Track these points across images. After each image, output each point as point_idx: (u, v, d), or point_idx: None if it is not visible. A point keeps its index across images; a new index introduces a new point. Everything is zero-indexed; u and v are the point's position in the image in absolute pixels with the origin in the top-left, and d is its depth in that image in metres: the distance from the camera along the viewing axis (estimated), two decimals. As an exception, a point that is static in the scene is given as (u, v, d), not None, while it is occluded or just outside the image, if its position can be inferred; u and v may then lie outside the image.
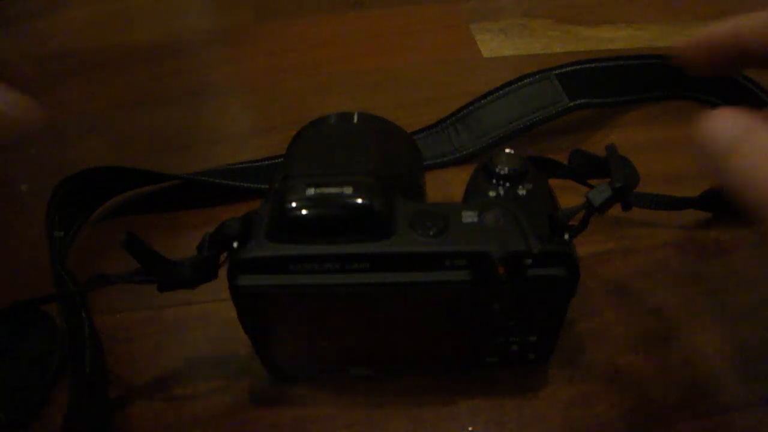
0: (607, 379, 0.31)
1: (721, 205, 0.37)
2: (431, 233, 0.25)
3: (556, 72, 0.44)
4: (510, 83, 0.44)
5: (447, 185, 0.41)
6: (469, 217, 0.25)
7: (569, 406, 0.30)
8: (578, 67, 0.45)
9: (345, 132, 0.30)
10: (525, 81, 0.44)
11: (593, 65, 0.45)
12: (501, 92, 0.44)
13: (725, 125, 0.19)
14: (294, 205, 0.24)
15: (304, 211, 0.24)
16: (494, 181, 0.28)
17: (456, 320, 0.27)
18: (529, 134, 0.43)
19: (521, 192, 0.27)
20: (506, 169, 0.28)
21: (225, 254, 0.25)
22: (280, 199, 0.25)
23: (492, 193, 0.27)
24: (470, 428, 0.29)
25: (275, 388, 0.31)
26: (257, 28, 0.59)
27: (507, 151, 0.28)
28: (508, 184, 0.27)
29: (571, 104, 0.43)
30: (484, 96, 0.44)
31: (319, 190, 0.24)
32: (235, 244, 0.25)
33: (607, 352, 0.32)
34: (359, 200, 0.24)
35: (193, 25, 0.61)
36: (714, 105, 0.46)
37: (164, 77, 0.53)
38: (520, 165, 0.28)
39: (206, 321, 0.34)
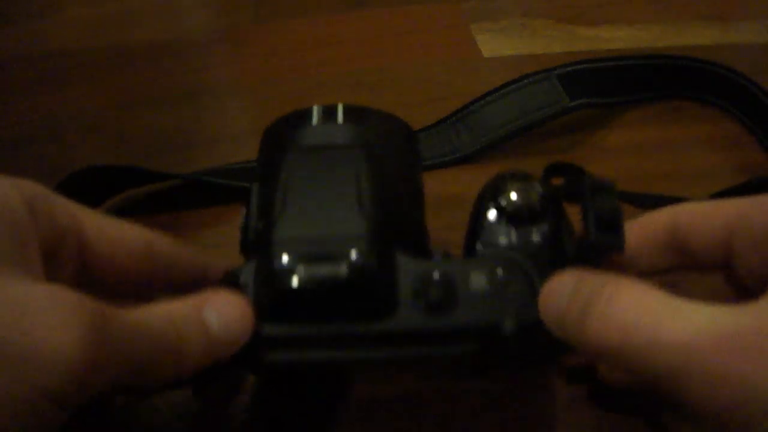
0: (607, 379, 0.31)
1: None
2: (437, 305, 0.22)
3: (556, 72, 0.44)
4: (510, 83, 0.44)
5: (447, 185, 0.41)
6: (477, 282, 0.23)
7: (569, 406, 0.30)
8: (578, 67, 0.45)
9: (332, 153, 0.26)
10: (525, 81, 0.44)
11: (593, 65, 0.45)
12: (501, 92, 0.44)
13: (561, 289, 0.21)
14: (283, 287, 0.22)
15: (295, 296, 0.22)
16: (503, 219, 0.24)
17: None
18: (529, 134, 0.43)
19: (535, 238, 0.24)
20: (516, 207, 0.24)
21: None
22: (267, 278, 0.22)
23: (503, 239, 0.24)
24: (470, 428, 0.29)
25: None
26: (257, 28, 0.59)
27: (517, 178, 0.24)
28: (519, 226, 0.24)
29: (571, 104, 0.43)
30: (484, 96, 0.44)
31: (310, 270, 0.22)
32: None
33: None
34: (356, 281, 0.22)
35: (193, 25, 0.61)
36: (714, 105, 0.46)
37: (164, 77, 0.53)
38: (533, 200, 0.24)
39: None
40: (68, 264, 0.22)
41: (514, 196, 0.24)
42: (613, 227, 0.22)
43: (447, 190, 0.40)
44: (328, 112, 0.27)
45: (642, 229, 0.24)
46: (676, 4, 0.58)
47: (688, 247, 0.23)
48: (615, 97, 0.46)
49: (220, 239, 0.38)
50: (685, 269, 0.24)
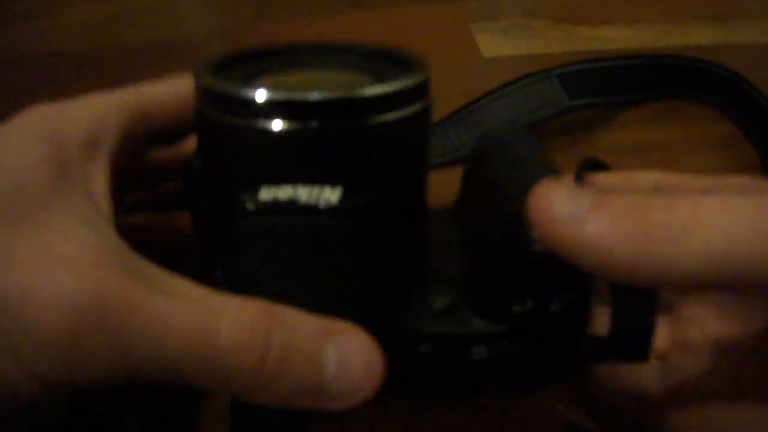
0: (607, 379, 0.31)
1: None
2: None
3: (557, 72, 0.44)
4: (510, 83, 0.44)
5: (447, 185, 0.41)
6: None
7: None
8: (578, 67, 0.45)
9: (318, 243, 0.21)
10: (525, 81, 0.44)
11: (593, 65, 0.45)
12: (501, 92, 0.44)
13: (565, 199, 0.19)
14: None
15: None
16: None
17: None
18: (529, 134, 0.43)
19: None
20: None
21: None
22: None
23: None
24: (470, 428, 0.29)
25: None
26: (257, 28, 0.59)
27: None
28: None
29: (571, 104, 0.43)
30: (484, 96, 0.44)
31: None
32: None
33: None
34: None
35: (193, 25, 0.61)
36: (715, 105, 0.46)
37: (164, 77, 0.53)
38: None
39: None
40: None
41: None
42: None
43: (447, 190, 0.40)
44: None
45: None
46: (676, 4, 0.58)
47: None
48: (615, 97, 0.46)
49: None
50: None
